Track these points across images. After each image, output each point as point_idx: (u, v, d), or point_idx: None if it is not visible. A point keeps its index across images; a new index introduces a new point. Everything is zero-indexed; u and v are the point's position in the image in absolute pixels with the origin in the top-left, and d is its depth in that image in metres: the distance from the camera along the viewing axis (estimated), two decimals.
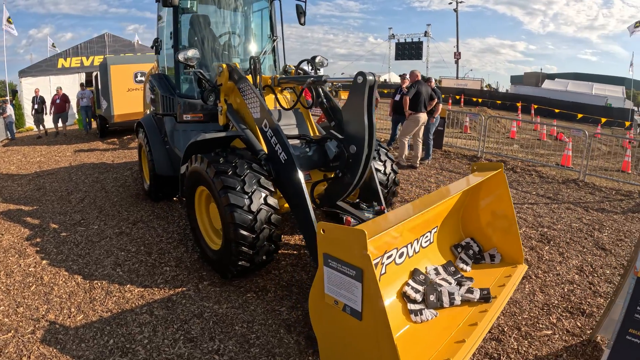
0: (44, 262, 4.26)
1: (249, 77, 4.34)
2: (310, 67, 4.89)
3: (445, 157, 9.81)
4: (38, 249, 4.58)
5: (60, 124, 13.59)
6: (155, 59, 5.76)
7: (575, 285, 3.98)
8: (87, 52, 16.21)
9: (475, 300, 2.93)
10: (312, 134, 4.73)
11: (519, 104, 27.26)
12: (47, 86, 14.94)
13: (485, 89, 38.51)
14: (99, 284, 3.78)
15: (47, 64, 16.00)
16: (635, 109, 29.07)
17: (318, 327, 2.57)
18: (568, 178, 8.41)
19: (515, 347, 3.02)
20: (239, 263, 3.50)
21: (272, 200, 3.53)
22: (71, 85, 15.08)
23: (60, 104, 13.31)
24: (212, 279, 3.89)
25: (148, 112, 7.54)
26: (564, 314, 3.48)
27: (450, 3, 32.63)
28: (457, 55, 35.91)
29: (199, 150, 4.07)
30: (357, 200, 4.20)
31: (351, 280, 2.16)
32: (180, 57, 4.15)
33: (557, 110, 25.98)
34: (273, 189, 3.60)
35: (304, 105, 4.49)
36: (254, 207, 3.39)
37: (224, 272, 3.73)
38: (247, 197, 3.40)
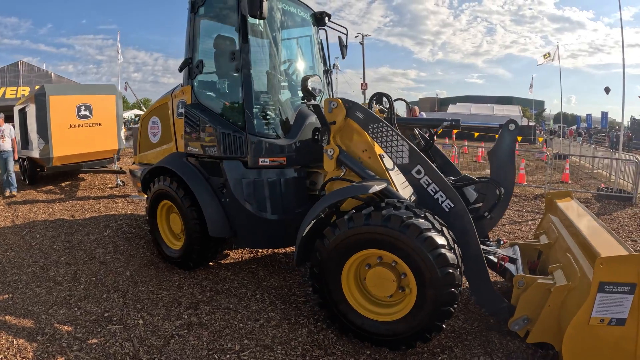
0: None
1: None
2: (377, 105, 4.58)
3: None
4: None
5: None
6: (188, 85, 4.47)
7: None
8: None
9: None
10: None
11: (440, 130, 29.05)
12: None
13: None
14: None
15: None
16: (537, 125, 33.14)
17: (570, 350, 2.66)
18: (535, 194, 9.46)
19: None
20: (430, 337, 3.05)
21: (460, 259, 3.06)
22: None
23: None
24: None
25: (138, 158, 6.01)
26: None
27: (357, 37, 35.53)
28: (365, 86, 38.15)
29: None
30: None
31: (623, 295, 2.49)
32: (309, 84, 3.41)
33: (476, 134, 28.05)
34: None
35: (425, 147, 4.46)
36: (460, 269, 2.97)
37: (408, 344, 3.12)
38: (457, 258, 2.92)
